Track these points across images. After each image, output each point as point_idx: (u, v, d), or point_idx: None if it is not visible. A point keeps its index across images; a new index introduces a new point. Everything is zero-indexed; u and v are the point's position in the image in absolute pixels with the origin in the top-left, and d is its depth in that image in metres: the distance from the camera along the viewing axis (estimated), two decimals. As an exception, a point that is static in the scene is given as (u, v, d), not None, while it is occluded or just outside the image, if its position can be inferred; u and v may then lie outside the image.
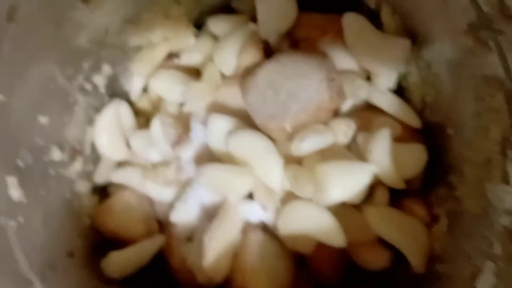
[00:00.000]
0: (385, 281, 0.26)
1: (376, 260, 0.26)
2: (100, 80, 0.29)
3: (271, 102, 0.27)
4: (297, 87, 0.26)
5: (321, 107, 0.26)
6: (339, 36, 0.27)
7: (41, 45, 0.24)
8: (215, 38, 0.31)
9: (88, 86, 0.29)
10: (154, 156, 0.30)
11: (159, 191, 0.30)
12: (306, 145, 0.25)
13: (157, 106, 0.32)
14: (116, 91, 0.31)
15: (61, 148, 0.28)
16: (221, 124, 0.28)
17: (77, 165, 0.29)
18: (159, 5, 0.28)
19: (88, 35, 0.26)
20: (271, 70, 0.27)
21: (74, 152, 0.29)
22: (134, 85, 0.32)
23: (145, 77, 0.31)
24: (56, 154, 0.27)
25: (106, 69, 0.29)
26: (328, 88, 0.25)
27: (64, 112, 0.27)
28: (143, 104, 0.33)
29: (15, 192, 0.23)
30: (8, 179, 0.23)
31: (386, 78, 0.26)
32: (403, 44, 0.25)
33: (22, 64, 0.23)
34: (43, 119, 0.25)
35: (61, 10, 0.24)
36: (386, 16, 0.25)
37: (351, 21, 0.26)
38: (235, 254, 0.27)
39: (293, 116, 0.26)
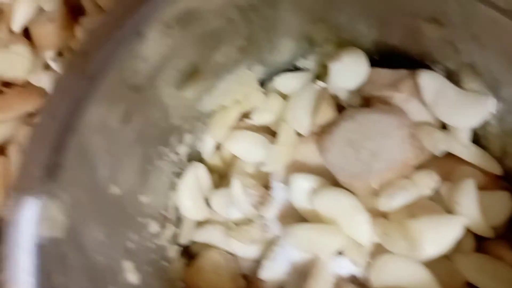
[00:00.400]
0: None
1: None
2: (182, 149, 0.31)
3: (353, 161, 0.28)
4: (379, 145, 0.27)
5: (405, 164, 0.27)
6: (413, 92, 0.28)
7: (144, 135, 0.25)
8: (283, 96, 0.32)
9: (174, 157, 0.30)
10: (235, 214, 0.31)
11: (244, 249, 0.31)
12: (395, 202, 0.26)
13: (229, 163, 0.33)
14: (192, 155, 0.33)
15: (155, 219, 0.29)
16: (303, 183, 0.29)
17: (167, 232, 0.30)
18: (235, 74, 0.29)
19: (177, 114, 0.28)
20: (349, 129, 0.28)
21: (165, 220, 0.30)
22: (207, 146, 0.33)
23: (219, 139, 0.32)
24: (153, 227, 0.28)
25: (187, 138, 0.31)
26: (410, 145, 0.26)
27: (157, 186, 0.29)
28: (215, 161, 0.34)
29: (131, 276, 0.24)
30: (124, 264, 0.24)
31: (466, 131, 0.27)
32: (487, 101, 0.26)
33: (129, 155, 0.24)
34: (142, 198, 0.27)
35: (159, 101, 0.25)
36: (468, 77, 0.26)
37: (429, 79, 0.27)
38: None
39: (378, 175, 0.27)
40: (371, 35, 0.28)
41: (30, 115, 0.39)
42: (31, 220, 0.18)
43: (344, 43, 0.29)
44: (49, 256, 0.19)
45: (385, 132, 0.27)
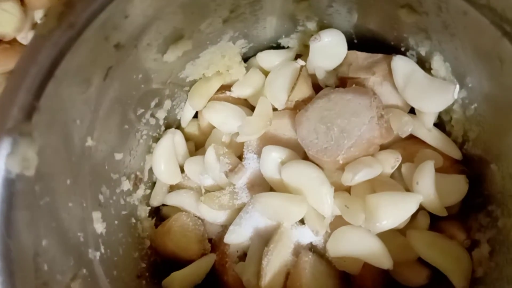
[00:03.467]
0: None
1: (416, 277, 0.28)
2: (161, 114, 0.32)
3: (323, 137, 0.29)
4: (349, 124, 0.28)
5: (371, 143, 0.28)
6: (387, 76, 0.29)
7: (124, 95, 0.26)
8: (264, 72, 0.34)
9: (152, 121, 0.31)
10: (207, 181, 0.33)
11: (213, 214, 0.32)
12: (358, 178, 0.28)
13: (206, 132, 0.35)
14: (170, 121, 0.34)
15: (129, 178, 0.30)
16: (274, 154, 0.30)
17: (139, 192, 0.31)
18: (219, 46, 0.30)
19: (159, 79, 0.29)
20: (323, 107, 0.29)
21: (137, 180, 0.31)
22: (186, 114, 0.34)
23: (198, 107, 0.33)
24: (125, 185, 0.29)
25: (167, 103, 0.32)
26: (378, 125, 0.28)
27: (133, 146, 0.30)
28: (192, 129, 0.35)
29: (99, 226, 0.25)
30: (94, 215, 0.25)
31: (431, 116, 0.29)
32: (452, 88, 0.27)
33: (108, 113, 0.25)
34: (118, 156, 0.28)
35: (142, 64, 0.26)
36: (437, 63, 0.27)
37: (401, 64, 0.29)
38: (288, 274, 0.29)
39: (346, 151, 0.28)
40: (351, 18, 0.29)
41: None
42: (2, 155, 0.19)
43: (325, 25, 0.30)
44: (17, 191, 0.20)
45: (356, 111, 0.28)
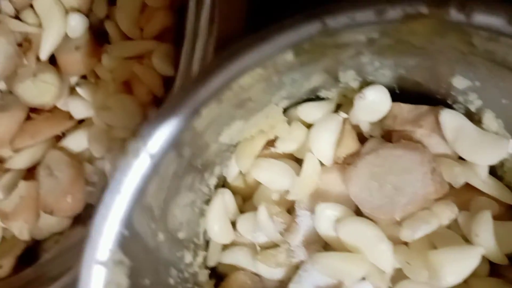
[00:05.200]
0: None
1: None
2: (213, 181, 0.32)
3: (376, 194, 0.29)
4: (402, 181, 0.28)
5: (427, 198, 0.28)
6: (435, 129, 0.29)
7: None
8: (306, 124, 0.34)
9: (205, 190, 0.32)
10: (261, 237, 0.33)
11: (270, 271, 0.32)
12: (417, 234, 0.28)
13: (252, 186, 0.35)
14: (219, 181, 0.34)
15: (188, 249, 0.31)
16: (328, 212, 0.30)
17: (199, 259, 0.32)
18: (264, 111, 0.30)
19: (213, 154, 0.30)
20: (372, 163, 0.29)
21: (196, 247, 0.32)
22: (231, 171, 0.34)
23: (245, 168, 0.33)
24: (187, 257, 0.30)
25: (217, 170, 0.32)
26: (432, 180, 0.28)
27: (191, 218, 0.31)
28: (237, 183, 0.35)
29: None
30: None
31: (484, 167, 0.29)
32: (506, 143, 0.27)
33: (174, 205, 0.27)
34: (181, 234, 0.28)
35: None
36: (488, 120, 0.27)
37: (450, 118, 0.28)
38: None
39: (402, 209, 0.28)
40: (396, 74, 0.29)
41: (58, 138, 0.40)
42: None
43: (368, 81, 0.30)
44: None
45: (408, 168, 0.28)
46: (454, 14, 0.21)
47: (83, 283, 0.21)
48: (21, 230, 0.38)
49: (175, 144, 0.24)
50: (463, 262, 0.27)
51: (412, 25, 0.22)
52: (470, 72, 0.26)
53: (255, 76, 0.24)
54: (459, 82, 0.27)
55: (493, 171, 0.30)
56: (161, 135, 0.23)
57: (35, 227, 0.38)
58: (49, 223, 0.39)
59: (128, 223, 0.22)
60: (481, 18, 0.21)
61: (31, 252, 0.39)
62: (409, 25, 0.22)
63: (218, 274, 0.34)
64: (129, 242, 0.22)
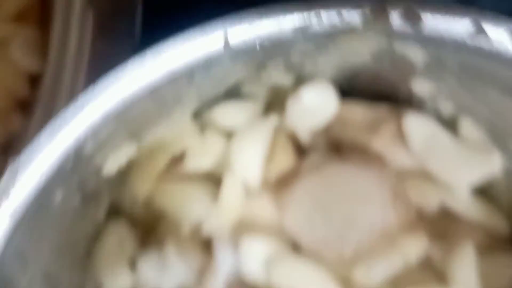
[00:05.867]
0: None
1: None
2: (101, 212, 0.26)
3: (320, 226, 0.23)
4: (354, 211, 0.23)
5: (387, 233, 0.22)
6: (397, 137, 0.23)
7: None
8: (224, 132, 0.26)
9: (90, 224, 0.25)
10: (169, 283, 0.25)
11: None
12: (375, 275, 0.22)
13: (158, 217, 0.27)
14: (111, 209, 0.27)
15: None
16: (256, 249, 0.24)
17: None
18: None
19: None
20: (314, 187, 0.23)
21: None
22: (128, 201, 0.27)
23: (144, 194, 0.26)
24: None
25: (106, 197, 0.26)
26: (394, 207, 0.22)
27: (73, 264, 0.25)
28: (140, 213, 0.27)
29: None
30: None
31: (464, 189, 0.23)
32: (492, 158, 0.21)
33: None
34: None
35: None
36: (466, 128, 0.22)
37: (417, 125, 0.22)
38: None
39: (353, 245, 0.23)
40: (340, 67, 0.22)
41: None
42: None
43: (304, 75, 0.23)
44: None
45: (362, 193, 0.22)
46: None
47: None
48: None
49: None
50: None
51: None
52: (432, 78, 0.21)
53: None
54: (421, 86, 0.22)
55: (481, 189, 0.24)
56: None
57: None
58: None
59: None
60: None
61: None
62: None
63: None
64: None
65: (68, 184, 0.21)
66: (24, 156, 0.19)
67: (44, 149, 0.19)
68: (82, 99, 0.19)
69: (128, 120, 0.21)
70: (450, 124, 0.23)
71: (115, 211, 0.27)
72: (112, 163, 0.23)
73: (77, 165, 0.20)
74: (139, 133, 0.23)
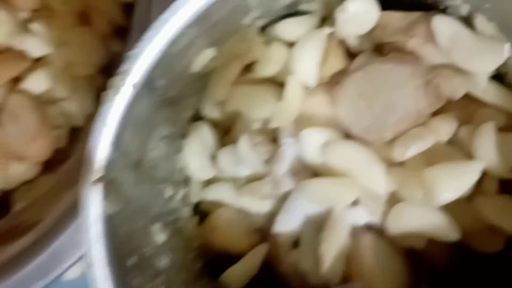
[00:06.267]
0: (501, 264, 0.27)
1: (490, 243, 0.27)
2: (189, 113, 0.30)
3: (365, 114, 0.27)
4: (392, 98, 0.26)
5: (420, 115, 0.26)
6: (428, 37, 0.26)
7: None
8: (286, 44, 0.31)
9: (180, 123, 0.30)
10: (244, 171, 0.31)
11: (257, 205, 0.31)
12: (410, 152, 0.26)
13: (233, 119, 0.32)
14: (195, 114, 0.32)
15: (168, 184, 0.29)
16: (315, 137, 0.28)
17: (179, 195, 0.30)
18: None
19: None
20: (360, 81, 0.27)
21: (175, 183, 0.30)
22: (209, 105, 0.32)
23: (221, 98, 0.31)
24: (167, 192, 0.29)
25: (191, 101, 0.30)
26: (425, 94, 0.26)
27: (168, 153, 0.29)
28: (218, 116, 0.33)
29: (160, 236, 0.27)
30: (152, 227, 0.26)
31: (483, 75, 0.26)
32: (503, 48, 0.25)
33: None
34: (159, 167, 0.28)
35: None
36: (481, 24, 0.25)
37: (443, 25, 0.26)
38: (349, 257, 0.28)
39: (392, 128, 0.26)
40: None
41: (16, 79, 0.37)
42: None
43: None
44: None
45: (398, 83, 0.26)
46: None
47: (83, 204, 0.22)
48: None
49: (149, 77, 0.23)
50: (460, 178, 0.25)
51: None
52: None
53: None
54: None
55: (501, 79, 0.27)
56: (139, 68, 0.23)
57: (5, 177, 0.36)
58: (19, 172, 0.36)
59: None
60: None
61: (2, 204, 0.36)
62: None
63: (202, 213, 0.32)
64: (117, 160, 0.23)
65: (167, 75, 0.25)
66: (137, 48, 0.23)
67: (150, 44, 0.23)
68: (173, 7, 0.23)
69: (208, 28, 0.25)
70: (468, 22, 0.26)
71: (198, 118, 0.32)
72: (197, 63, 0.27)
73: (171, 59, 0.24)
74: (217, 41, 0.27)
